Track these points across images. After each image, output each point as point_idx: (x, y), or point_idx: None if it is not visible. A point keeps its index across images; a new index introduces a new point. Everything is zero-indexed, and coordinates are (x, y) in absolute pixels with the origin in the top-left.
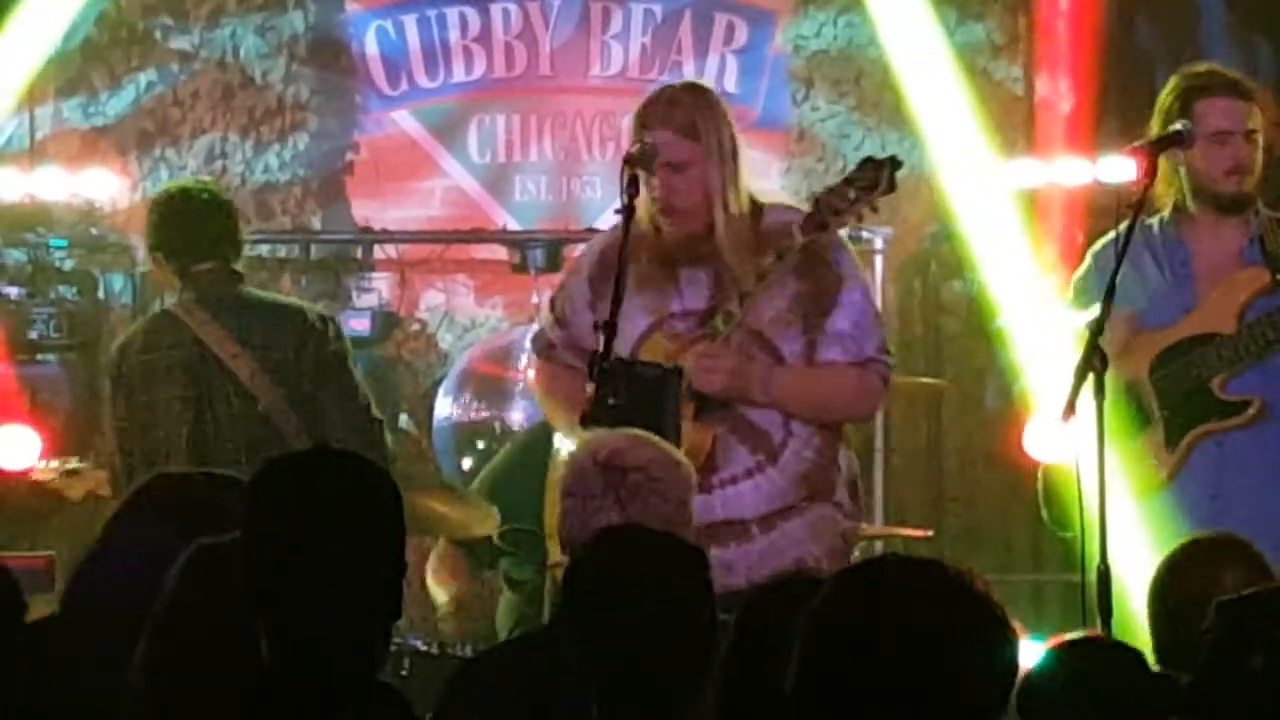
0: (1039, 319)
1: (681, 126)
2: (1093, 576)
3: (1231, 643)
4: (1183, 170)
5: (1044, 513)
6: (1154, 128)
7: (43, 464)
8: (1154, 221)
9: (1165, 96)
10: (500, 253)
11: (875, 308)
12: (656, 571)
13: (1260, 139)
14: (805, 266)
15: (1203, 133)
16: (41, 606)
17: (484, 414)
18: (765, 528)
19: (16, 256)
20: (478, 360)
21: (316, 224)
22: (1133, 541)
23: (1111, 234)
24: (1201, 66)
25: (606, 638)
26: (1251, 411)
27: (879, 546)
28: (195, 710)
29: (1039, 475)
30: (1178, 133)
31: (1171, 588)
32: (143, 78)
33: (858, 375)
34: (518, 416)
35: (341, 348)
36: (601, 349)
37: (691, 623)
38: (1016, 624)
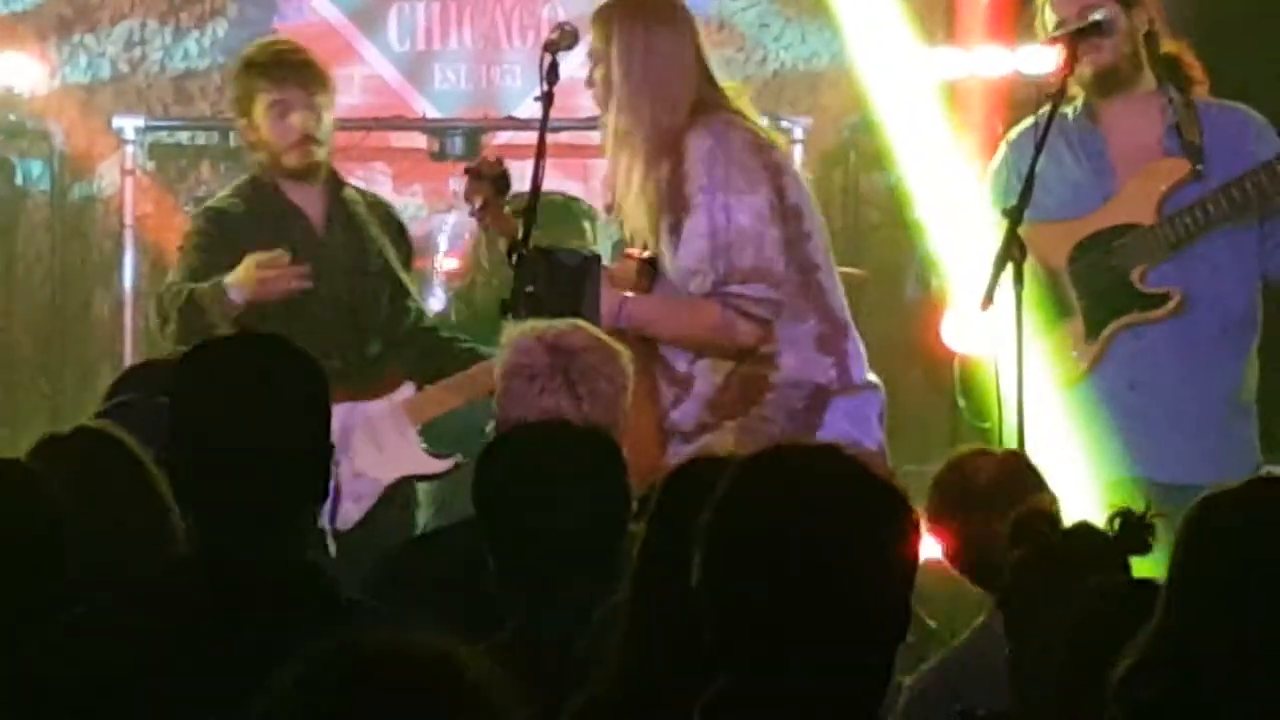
0: (958, 210)
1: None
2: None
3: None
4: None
5: (960, 403)
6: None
7: None
8: (1068, 110)
9: None
10: (419, 141)
11: (732, 231)
12: (576, 464)
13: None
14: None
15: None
16: None
17: None
18: (693, 438)
19: None
20: None
21: None
22: (1049, 431)
23: (1028, 121)
24: None
25: (523, 536)
26: (1172, 304)
27: None
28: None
29: (955, 366)
30: (1097, 22)
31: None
32: None
33: (703, 309)
34: (435, 305)
35: None
36: (521, 236)
37: (609, 514)
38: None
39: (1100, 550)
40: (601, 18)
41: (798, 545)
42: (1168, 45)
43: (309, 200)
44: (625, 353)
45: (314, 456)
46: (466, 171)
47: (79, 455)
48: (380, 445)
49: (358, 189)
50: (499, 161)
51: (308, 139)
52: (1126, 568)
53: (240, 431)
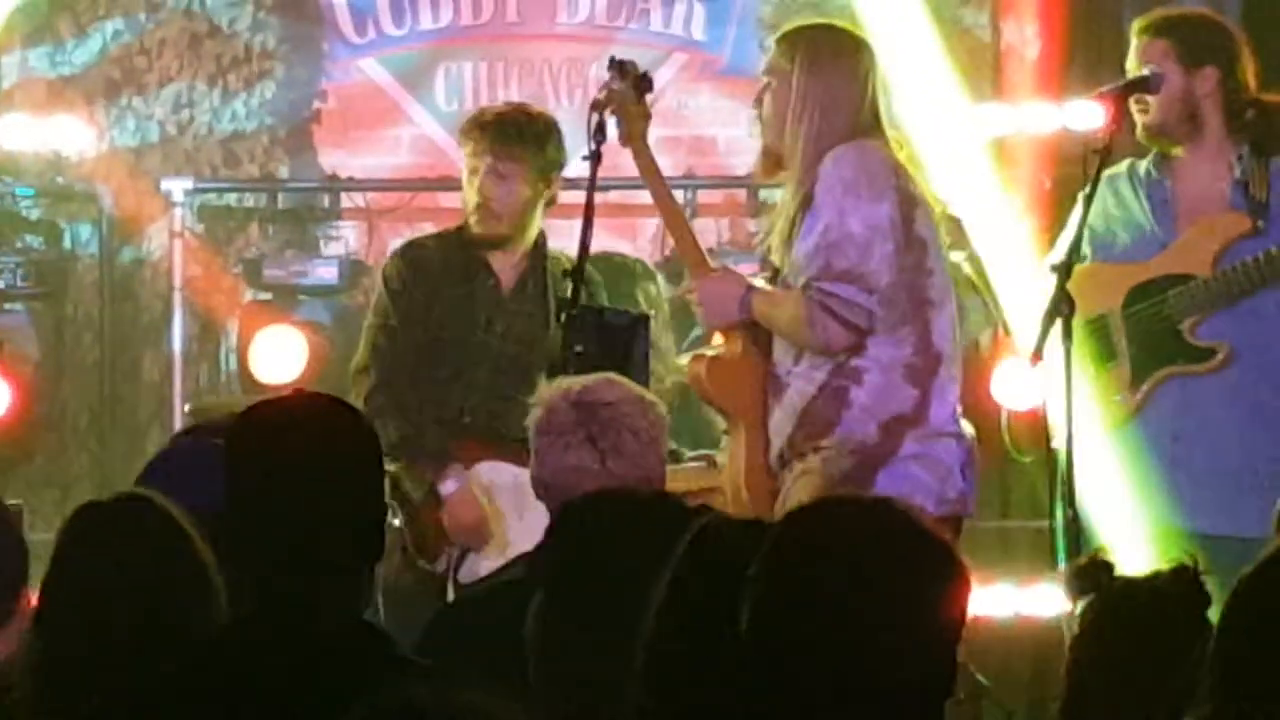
0: (1007, 265)
1: None
2: (1060, 522)
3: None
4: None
5: (1006, 439)
6: (1130, 66)
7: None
8: (1143, 163)
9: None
10: None
11: (840, 232)
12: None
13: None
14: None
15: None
16: None
17: None
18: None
19: None
20: None
21: (284, 173)
22: (1098, 477)
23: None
24: (1174, 9)
25: (582, 593)
26: (1219, 358)
27: None
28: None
29: (1005, 417)
30: (1144, 78)
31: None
32: (109, 26)
33: (795, 301)
34: None
35: None
36: (570, 296)
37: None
38: (984, 570)
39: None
40: (790, 38)
41: (843, 601)
42: (1269, 98)
43: (504, 259)
44: (658, 404)
45: (368, 518)
46: (611, 63)
47: (115, 520)
48: (521, 512)
49: (564, 257)
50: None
51: (482, 207)
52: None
53: (296, 493)
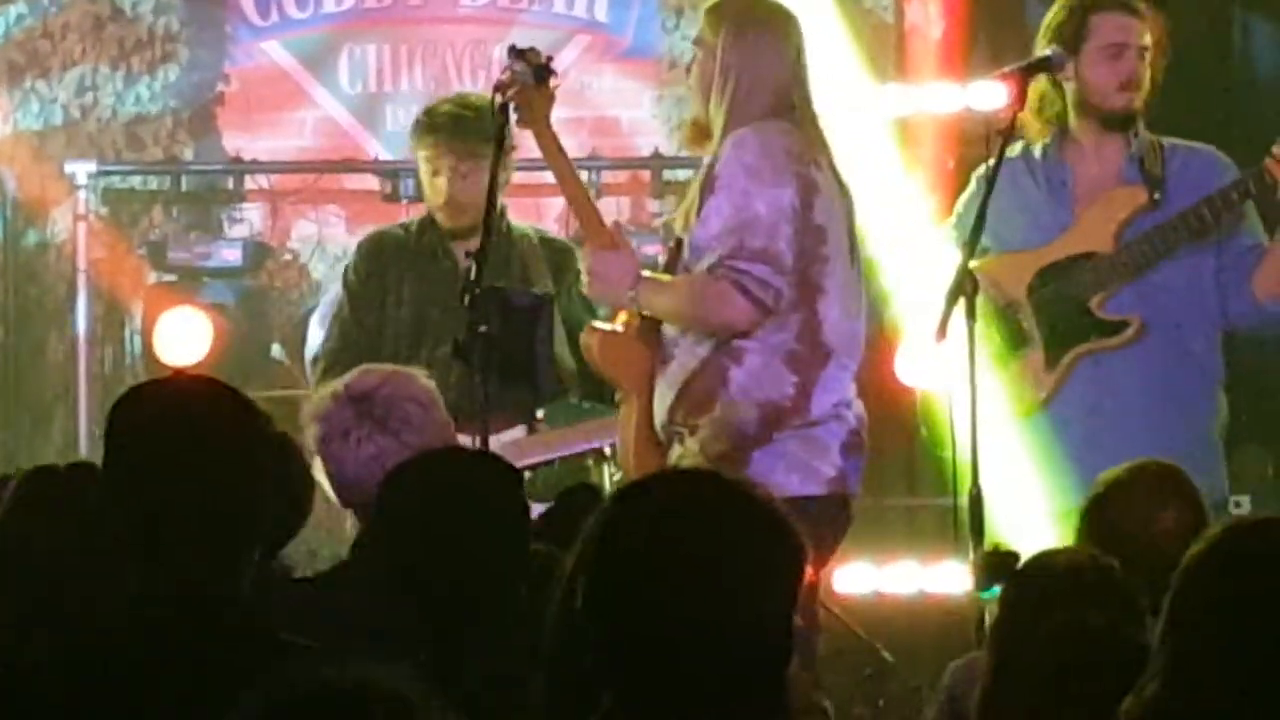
0: (910, 246)
1: None
2: (964, 500)
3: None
4: (1070, 86)
5: (923, 430)
6: (1040, 44)
7: None
8: (1037, 147)
9: (1056, 12)
10: (372, 182)
11: (748, 213)
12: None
13: (1148, 56)
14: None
15: (1096, 45)
16: None
17: None
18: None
19: None
20: None
21: (188, 155)
22: (1006, 463)
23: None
24: None
25: (427, 558)
26: (1130, 331)
27: None
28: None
29: (918, 397)
30: (1046, 58)
31: (1109, 514)
32: (12, 10)
33: (704, 282)
34: None
35: None
36: (472, 277)
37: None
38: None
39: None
40: (717, 9)
41: (670, 568)
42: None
43: (469, 244)
44: (419, 372)
45: (247, 501)
46: (510, 50)
47: (65, 487)
48: None
49: (531, 230)
50: (540, 53)
51: (450, 203)
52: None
53: (171, 476)
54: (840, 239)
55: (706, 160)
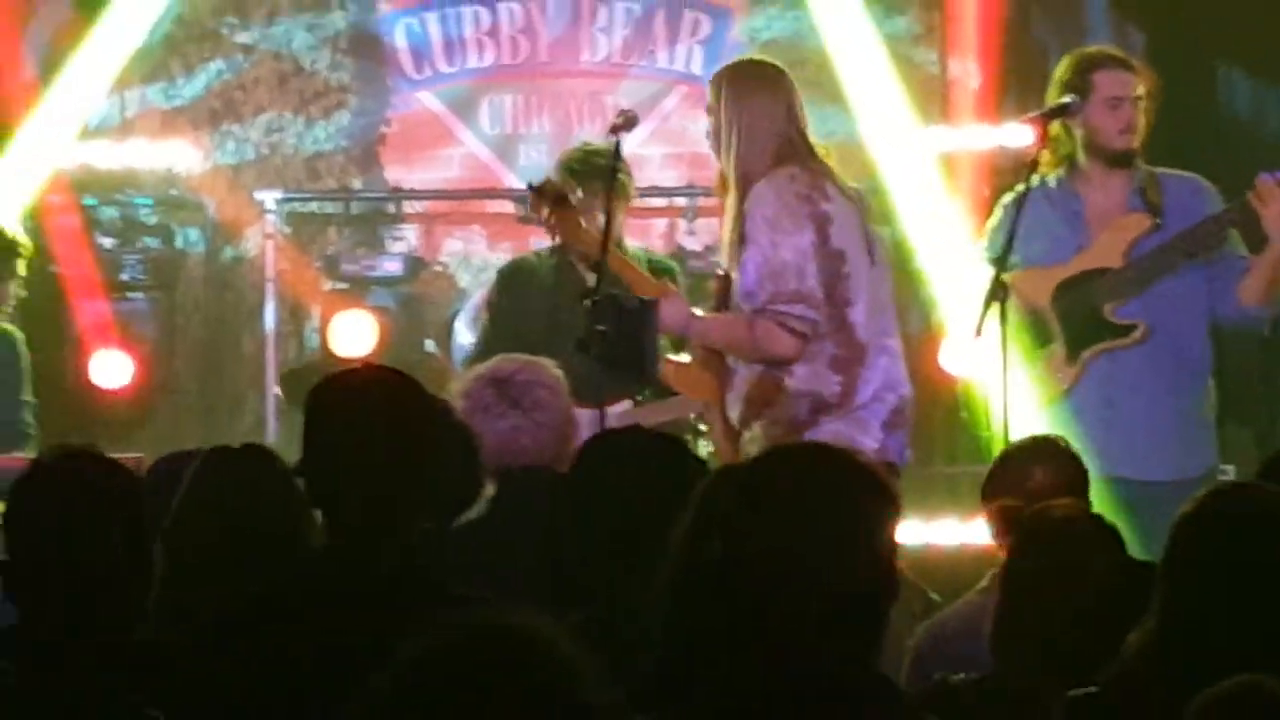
0: (952, 260)
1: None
2: None
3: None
4: (1080, 132)
5: (963, 412)
6: (1050, 96)
7: None
8: (1052, 179)
9: (1062, 70)
10: (508, 207)
11: (777, 262)
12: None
13: (1143, 105)
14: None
15: (1099, 98)
16: None
17: None
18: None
19: (111, 213)
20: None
21: (357, 185)
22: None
23: (1018, 188)
24: (1093, 47)
25: (609, 506)
26: (1138, 333)
27: None
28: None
29: (959, 385)
30: (1065, 104)
31: (997, 473)
32: (213, 67)
33: (749, 324)
34: None
35: None
36: (594, 285)
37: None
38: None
39: (1104, 533)
40: (715, 80)
41: (800, 523)
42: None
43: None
44: (549, 363)
45: (423, 474)
46: (529, 188)
47: (242, 464)
48: None
49: (641, 251)
50: (555, 183)
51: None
52: (1124, 549)
53: (363, 447)
54: (857, 247)
55: (729, 206)
